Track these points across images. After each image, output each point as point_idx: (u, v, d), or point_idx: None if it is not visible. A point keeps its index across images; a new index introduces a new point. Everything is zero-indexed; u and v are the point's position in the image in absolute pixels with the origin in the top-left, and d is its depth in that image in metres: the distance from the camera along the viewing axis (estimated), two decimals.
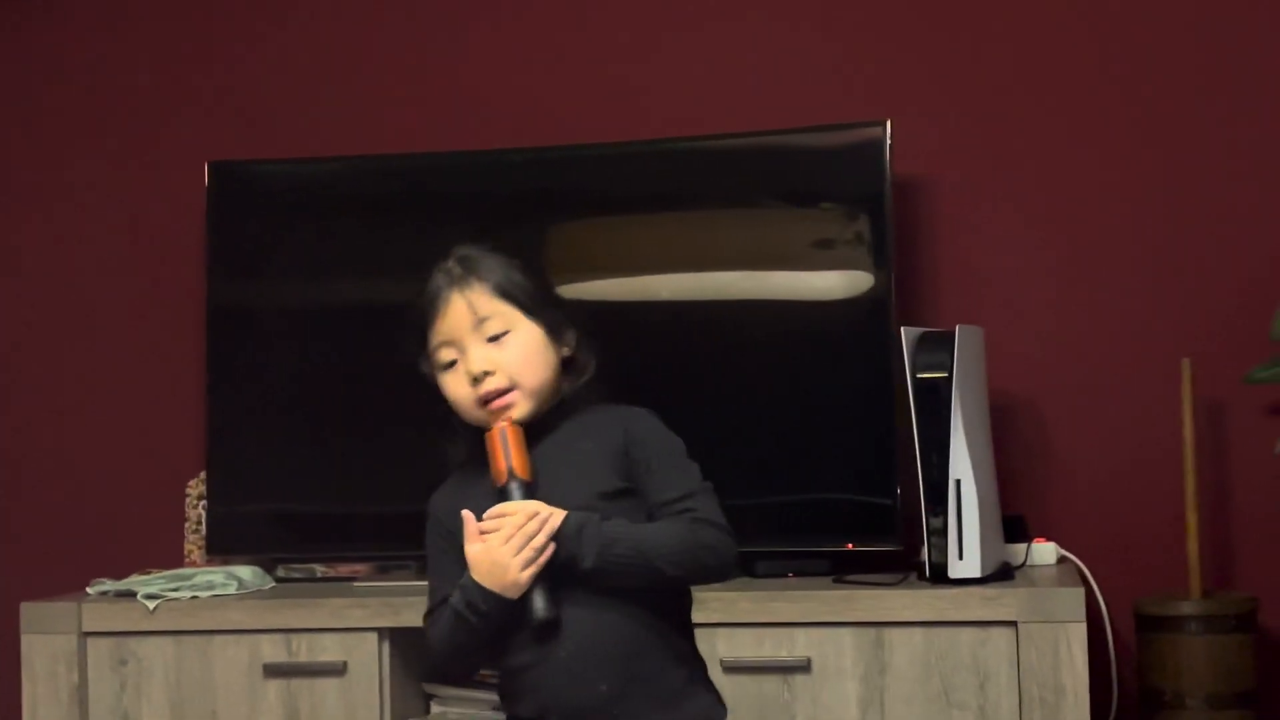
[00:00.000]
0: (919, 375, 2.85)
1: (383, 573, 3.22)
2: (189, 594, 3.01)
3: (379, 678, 2.89)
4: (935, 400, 2.84)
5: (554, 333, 2.09)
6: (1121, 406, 3.22)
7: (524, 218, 3.27)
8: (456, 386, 2.08)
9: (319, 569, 3.25)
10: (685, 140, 3.27)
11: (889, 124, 3.08)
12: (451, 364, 2.08)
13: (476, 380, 2.05)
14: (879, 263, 3.07)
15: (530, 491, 2.01)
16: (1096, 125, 3.27)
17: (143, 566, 3.31)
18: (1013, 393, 3.24)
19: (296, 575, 3.25)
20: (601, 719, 1.98)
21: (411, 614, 2.86)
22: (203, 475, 3.35)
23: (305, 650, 2.91)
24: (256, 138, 3.53)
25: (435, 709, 3.00)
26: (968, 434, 2.83)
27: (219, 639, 2.94)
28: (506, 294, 2.08)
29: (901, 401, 2.91)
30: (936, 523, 2.84)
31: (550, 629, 1.97)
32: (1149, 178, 3.24)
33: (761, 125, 3.27)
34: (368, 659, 2.89)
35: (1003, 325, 3.20)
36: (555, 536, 1.97)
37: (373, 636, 2.89)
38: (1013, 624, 2.70)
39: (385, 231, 3.31)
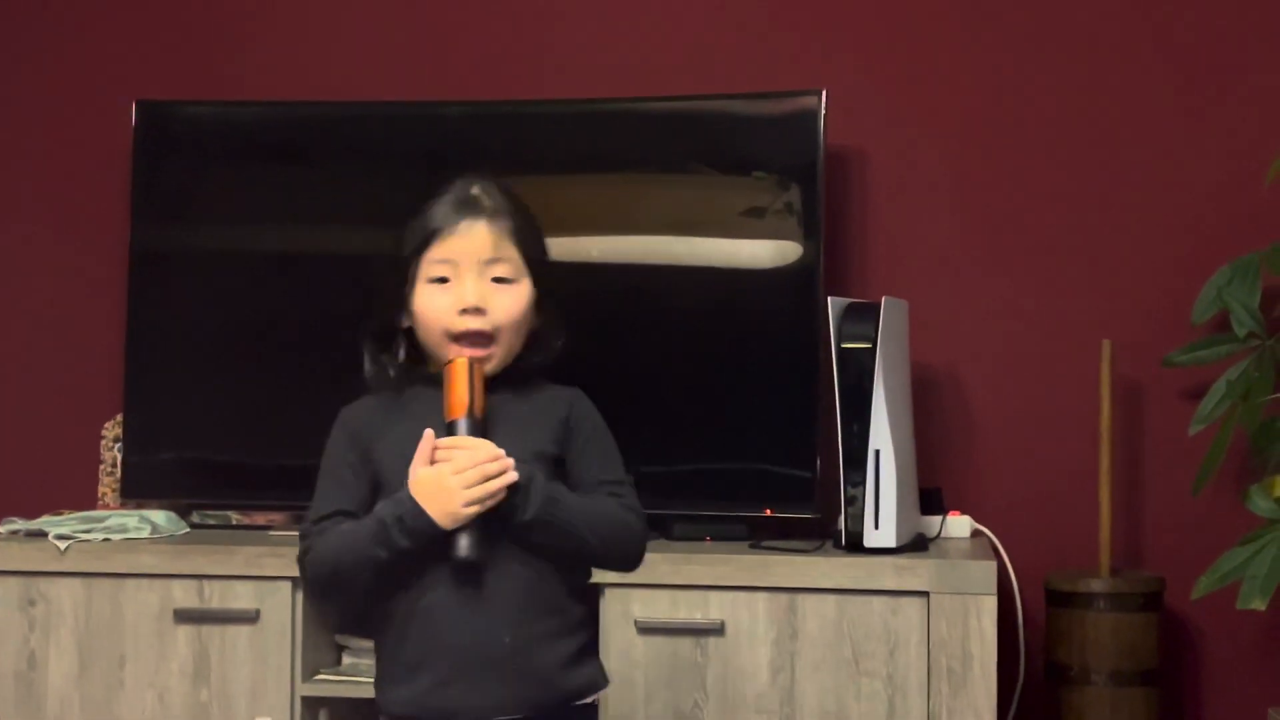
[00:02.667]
0: (843, 345, 2.87)
1: (298, 522, 3.19)
2: (101, 536, 2.99)
3: (291, 627, 2.88)
4: (858, 371, 2.86)
5: (539, 300, 2.08)
6: (1041, 385, 3.25)
7: (453, 173, 3.22)
8: (437, 304, 2.03)
9: (234, 516, 3.24)
10: (620, 101, 3.26)
11: (824, 94, 3.09)
12: (441, 280, 2.03)
13: (464, 311, 2.01)
14: (809, 233, 3.09)
15: (481, 433, 1.98)
16: (1028, 105, 3.29)
17: (55, 507, 3.28)
18: (935, 366, 3.26)
19: (211, 522, 3.23)
20: (495, 671, 1.97)
21: None
22: (119, 418, 3.32)
23: (217, 597, 2.90)
24: (187, 78, 3.49)
25: (347, 660, 2.99)
26: (889, 405, 2.85)
27: (130, 582, 2.92)
28: (523, 245, 2.06)
29: (825, 371, 2.93)
30: (854, 492, 2.86)
31: (468, 570, 1.96)
32: (1077, 160, 3.27)
33: (696, 89, 3.27)
34: (280, 608, 2.88)
35: (927, 299, 3.22)
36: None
37: (286, 586, 2.88)
38: (924, 594, 2.73)
39: (314, 180, 3.30)
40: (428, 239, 2.04)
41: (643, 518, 2.07)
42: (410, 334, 2.09)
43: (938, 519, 3.09)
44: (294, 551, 2.83)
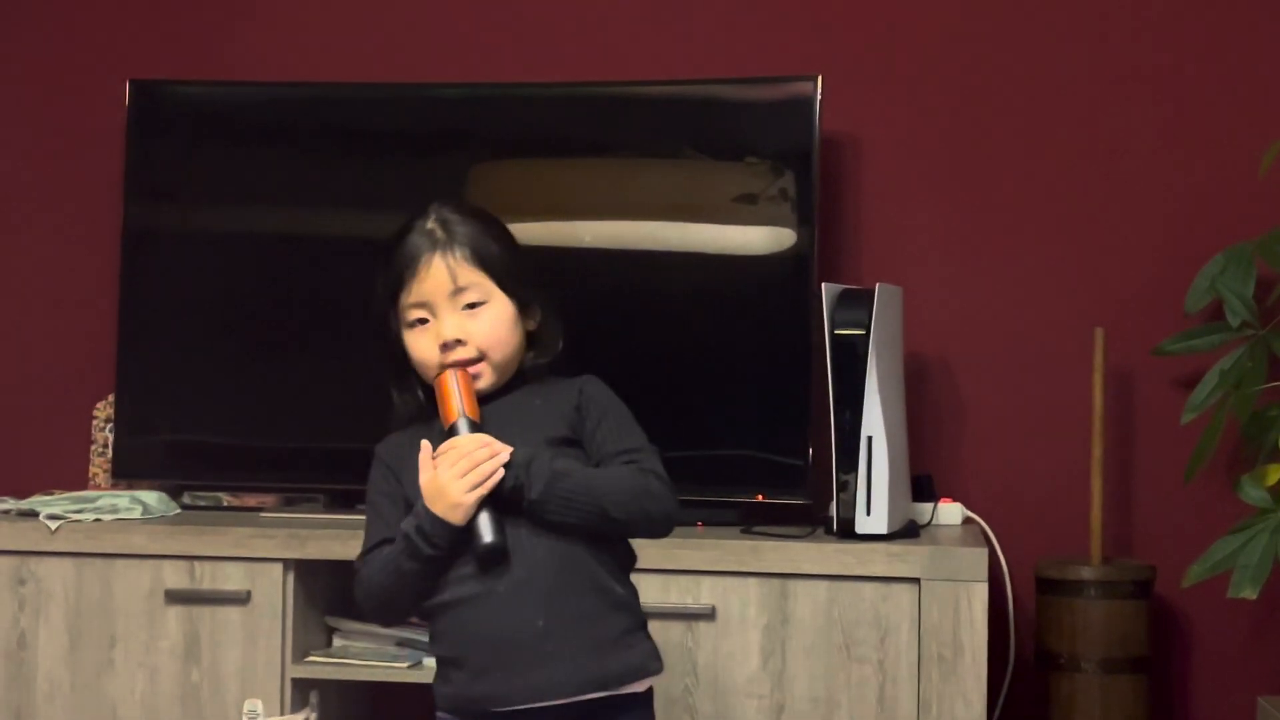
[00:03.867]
0: (836, 332, 2.87)
1: (289, 505, 3.21)
2: (92, 516, 2.98)
3: (282, 609, 2.88)
4: (851, 357, 2.85)
5: (523, 307, 2.13)
6: (1033, 372, 3.25)
7: (446, 155, 3.25)
8: (424, 347, 2.10)
9: (225, 498, 3.23)
10: (613, 85, 3.26)
11: (819, 79, 3.09)
12: (421, 322, 2.10)
13: (447, 346, 2.07)
14: (803, 219, 3.08)
15: (477, 430, 2.03)
16: (1024, 92, 3.29)
17: (46, 487, 3.28)
18: (928, 354, 3.27)
19: (202, 503, 3.22)
20: (529, 654, 1.98)
21: (317, 546, 2.86)
22: (111, 398, 3.32)
23: (208, 578, 2.89)
24: (181, 57, 3.48)
25: (337, 642, 2.99)
26: (881, 392, 2.85)
27: (121, 563, 2.91)
28: (484, 263, 2.10)
29: (818, 357, 2.93)
30: (846, 478, 2.85)
31: (494, 556, 1.99)
32: (1072, 147, 3.27)
33: (689, 74, 3.27)
34: (271, 589, 2.88)
35: (921, 286, 3.22)
36: (505, 466, 1.99)
37: (277, 567, 2.88)
38: (916, 581, 2.73)
39: (307, 161, 3.29)
40: (397, 289, 2.11)
41: (666, 480, 2.08)
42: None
43: (929, 506, 3.09)
44: (284, 533, 2.88)
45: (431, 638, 2.10)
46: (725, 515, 3.04)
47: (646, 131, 3.22)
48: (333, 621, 3.01)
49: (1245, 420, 2.91)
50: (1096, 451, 3.07)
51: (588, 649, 2.00)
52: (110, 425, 3.31)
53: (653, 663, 2.09)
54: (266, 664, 2.88)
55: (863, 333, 2.85)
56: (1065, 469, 3.20)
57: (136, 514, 3.04)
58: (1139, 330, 3.18)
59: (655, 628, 2.77)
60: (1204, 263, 3.04)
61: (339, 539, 2.86)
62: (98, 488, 3.30)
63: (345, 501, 3.19)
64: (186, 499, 3.23)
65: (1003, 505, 3.21)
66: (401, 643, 2.93)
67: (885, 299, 2.89)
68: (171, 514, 3.12)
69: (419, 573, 2.02)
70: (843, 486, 2.86)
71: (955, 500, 3.15)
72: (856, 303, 2.88)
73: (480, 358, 2.09)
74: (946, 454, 3.26)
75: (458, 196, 3.23)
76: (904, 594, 2.74)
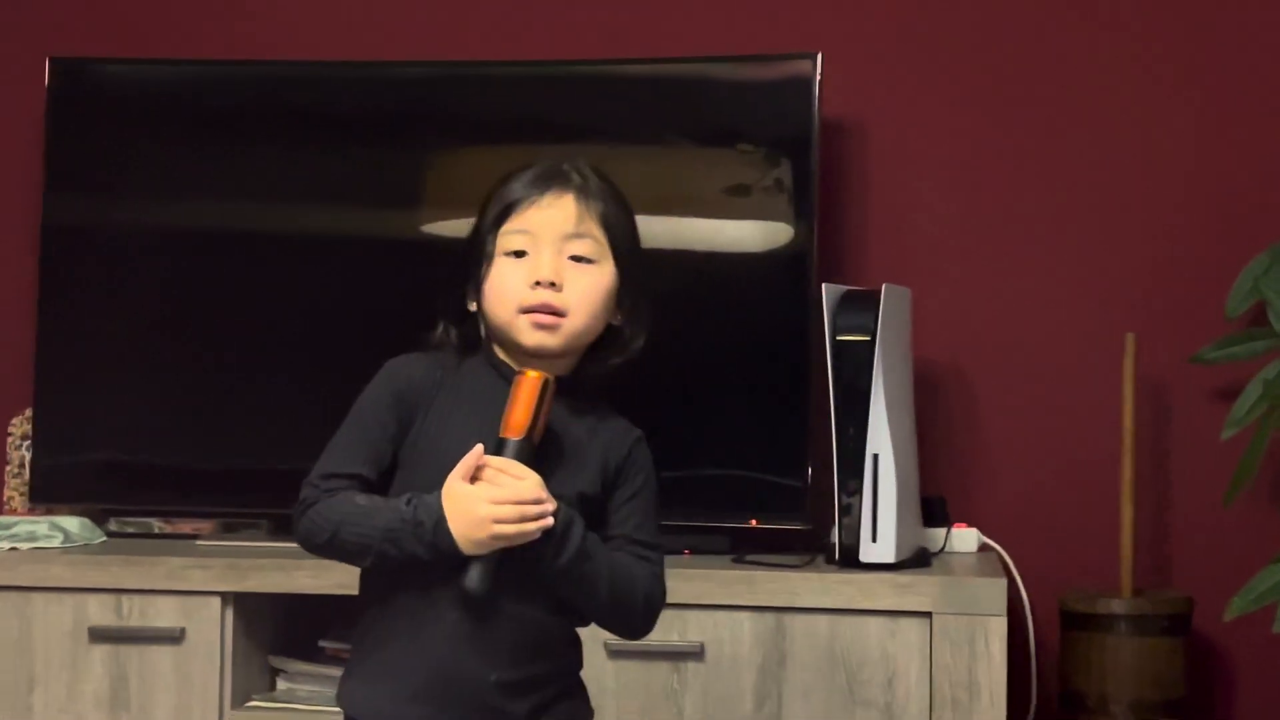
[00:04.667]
0: (839, 338, 2.87)
1: (228, 531, 3.21)
2: (8, 545, 2.98)
3: (220, 647, 2.87)
4: (855, 366, 2.86)
5: (621, 293, 2.10)
6: (1057, 383, 3.26)
7: (406, 141, 3.25)
8: (512, 279, 2.05)
9: (156, 524, 3.22)
10: (593, 64, 3.26)
11: (819, 58, 3.09)
12: (519, 255, 2.05)
13: (539, 284, 2.04)
14: (801, 213, 3.09)
15: (532, 459, 1.99)
16: (1044, 73, 3.29)
17: None
18: (939, 362, 3.27)
19: (131, 530, 3.22)
20: (468, 706, 2.00)
21: (259, 578, 2.86)
22: (28, 413, 3.31)
23: (137, 613, 2.89)
24: (108, 32, 3.47)
25: (282, 685, 2.99)
26: (889, 405, 2.85)
27: (40, 597, 2.90)
28: (610, 229, 2.09)
29: (818, 366, 2.93)
30: (849, 501, 2.86)
31: (474, 602, 1.98)
32: (1099, 134, 3.27)
33: (676, 52, 3.27)
34: (208, 626, 2.87)
35: (932, 287, 3.23)
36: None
37: (215, 601, 2.87)
38: (927, 615, 2.73)
39: (250, 149, 3.29)
40: (506, 210, 2.08)
41: (664, 592, 2.11)
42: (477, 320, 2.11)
43: (942, 531, 3.09)
44: (222, 563, 2.87)
45: (371, 629, 2.06)
46: (715, 542, 3.04)
47: (627, 115, 3.22)
48: (276, 662, 3.00)
49: None
50: (1127, 471, 3.07)
51: (526, 711, 2.03)
52: (27, 443, 3.30)
53: (582, 716, 2.13)
54: (202, 709, 2.87)
55: (867, 339, 2.85)
56: (1092, 490, 3.20)
57: (57, 542, 3.02)
58: (1174, 336, 3.19)
59: (636, 668, 2.78)
60: (1246, 262, 3.05)
61: (283, 570, 2.85)
62: (13, 513, 3.29)
63: (290, 528, 3.16)
64: (113, 525, 3.22)
65: (1023, 531, 3.21)
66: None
67: (892, 301, 2.89)
68: (96, 542, 3.10)
69: (389, 559, 1.98)
70: (845, 510, 2.86)
71: (970, 525, 3.15)
72: (860, 305, 2.88)
73: (564, 313, 2.05)
74: (961, 474, 3.26)
75: (417, 187, 3.23)
76: (914, 629, 2.74)
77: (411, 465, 2.05)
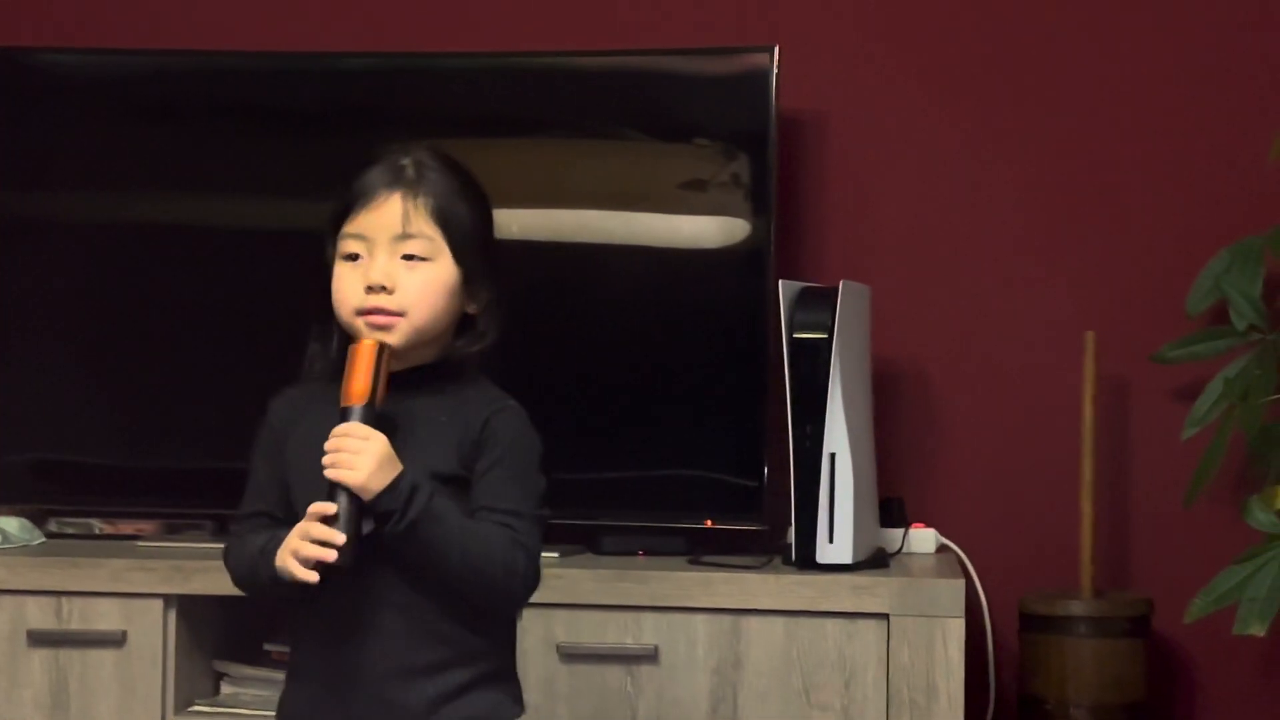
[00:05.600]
0: (796, 335, 2.87)
1: (172, 532, 3.19)
2: None
3: (163, 651, 2.86)
4: (812, 364, 2.86)
5: (469, 282, 2.14)
6: (1016, 381, 3.26)
7: (354, 134, 3.23)
8: (348, 283, 2.11)
9: (97, 525, 3.20)
10: (544, 56, 3.25)
11: (777, 51, 3.08)
12: (353, 258, 2.11)
13: (370, 290, 2.08)
14: (758, 208, 3.08)
15: (375, 423, 2.04)
16: (1009, 69, 3.29)
17: None
18: (898, 360, 3.26)
19: (71, 531, 3.19)
20: (370, 694, 2.06)
21: (203, 580, 2.84)
22: None
23: (78, 617, 2.87)
24: (52, 20, 3.45)
25: (226, 689, 2.98)
26: (846, 404, 2.84)
27: None
28: (445, 222, 2.12)
29: (775, 364, 2.92)
30: (806, 501, 2.84)
31: (352, 585, 2.04)
32: (1061, 131, 3.28)
33: (630, 44, 3.26)
34: (150, 630, 2.85)
35: (891, 284, 3.22)
36: (389, 488, 2.01)
37: (157, 604, 2.86)
38: (884, 617, 2.73)
39: (198, 142, 3.27)
40: (343, 214, 2.13)
41: (535, 558, 2.11)
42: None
43: (899, 532, 3.09)
44: (165, 565, 2.86)
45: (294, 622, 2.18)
46: (669, 544, 3.04)
47: (582, 109, 3.21)
48: (221, 666, 2.99)
49: (1253, 436, 2.92)
50: (1087, 471, 3.07)
51: (426, 701, 2.06)
52: None
53: (506, 710, 2.13)
54: (145, 714, 2.85)
55: (825, 336, 2.84)
56: (1052, 490, 3.20)
57: None
58: (1135, 335, 3.19)
59: (590, 671, 2.76)
60: (1207, 260, 3.05)
61: (228, 572, 2.81)
62: None
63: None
64: (53, 526, 3.19)
65: (982, 532, 3.21)
66: None
67: (850, 298, 2.89)
68: (35, 543, 3.09)
69: (260, 591, 2.14)
70: (802, 510, 2.85)
71: (929, 526, 3.15)
72: (818, 302, 2.87)
73: (400, 314, 2.09)
74: (919, 474, 3.26)
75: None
76: (871, 631, 2.74)
77: (291, 481, 2.14)
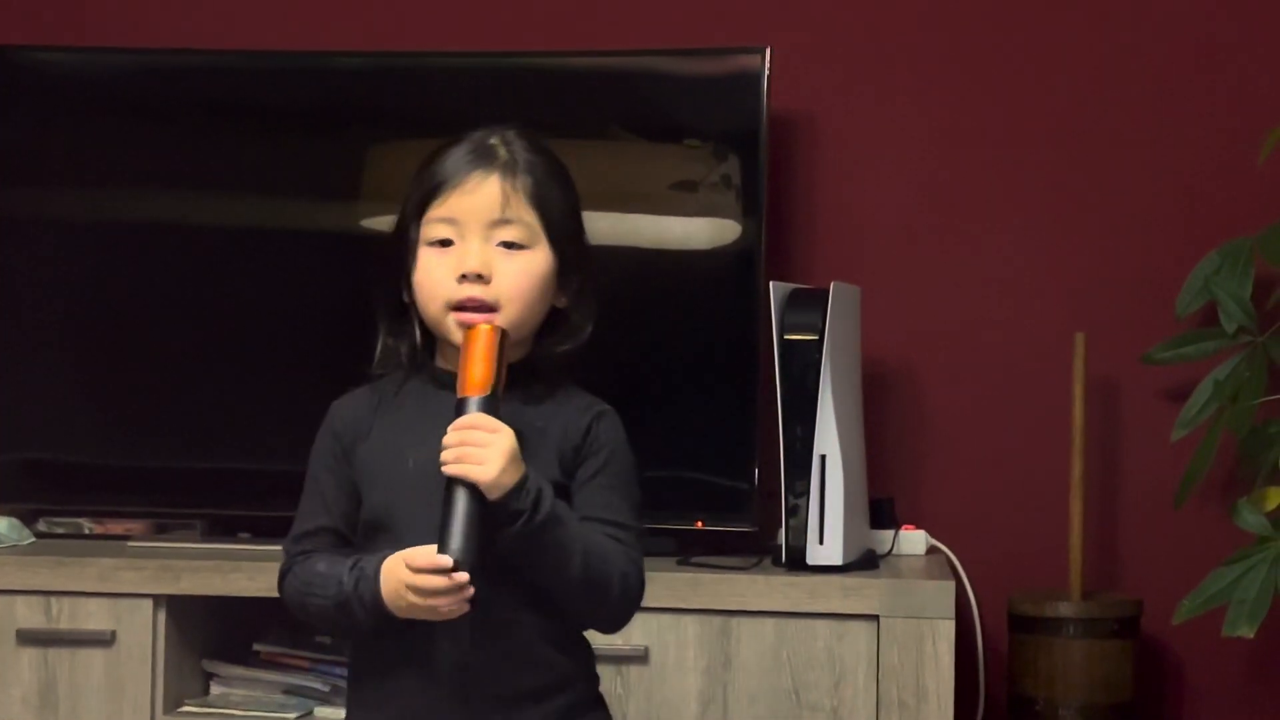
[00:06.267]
0: (786, 336, 2.87)
1: (161, 532, 3.18)
2: None
3: (152, 651, 2.85)
4: (803, 366, 2.86)
5: (563, 274, 1.98)
6: (1006, 382, 3.27)
7: (344, 133, 3.24)
8: (439, 271, 1.93)
9: (87, 525, 3.19)
10: (535, 56, 3.25)
11: (768, 52, 3.08)
12: (444, 244, 1.94)
13: (465, 278, 1.92)
14: (749, 209, 3.08)
15: (496, 413, 1.86)
16: (998, 70, 3.30)
17: None
18: (888, 362, 3.27)
19: (60, 531, 3.19)
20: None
21: (193, 580, 2.84)
22: None
23: (67, 616, 2.86)
24: (44, 19, 3.45)
25: (216, 689, 2.97)
26: (837, 405, 2.85)
27: None
28: (542, 205, 1.95)
29: (766, 366, 2.93)
30: (796, 502, 2.86)
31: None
32: (1051, 133, 3.28)
33: (621, 44, 3.26)
34: (140, 629, 2.85)
35: (881, 286, 3.22)
36: (517, 487, 1.84)
37: (147, 604, 2.85)
38: (874, 618, 2.74)
39: (188, 140, 3.26)
40: (429, 196, 1.96)
41: (642, 575, 1.96)
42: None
43: (890, 534, 3.09)
44: (155, 564, 2.85)
45: (363, 646, 1.98)
46: (660, 544, 3.01)
47: (573, 109, 3.21)
48: (210, 666, 2.98)
49: (1242, 437, 2.92)
50: (1076, 472, 3.08)
51: None
52: None
53: None
54: (134, 714, 2.85)
55: (815, 338, 2.85)
56: (1042, 492, 3.21)
57: None
58: (1125, 336, 3.20)
59: None
60: (1197, 261, 3.06)
61: (219, 572, 2.83)
62: None
63: (225, 529, 3.16)
64: (42, 525, 3.19)
65: (972, 533, 3.22)
66: (289, 690, 2.90)
67: (841, 299, 2.89)
68: (25, 543, 3.08)
69: (345, 630, 1.95)
70: (792, 512, 2.86)
71: (919, 527, 3.15)
72: (809, 304, 2.88)
73: (495, 308, 1.92)
74: (909, 475, 3.26)
75: (356, 180, 3.21)
76: (861, 633, 2.74)
77: (366, 490, 1.96)
